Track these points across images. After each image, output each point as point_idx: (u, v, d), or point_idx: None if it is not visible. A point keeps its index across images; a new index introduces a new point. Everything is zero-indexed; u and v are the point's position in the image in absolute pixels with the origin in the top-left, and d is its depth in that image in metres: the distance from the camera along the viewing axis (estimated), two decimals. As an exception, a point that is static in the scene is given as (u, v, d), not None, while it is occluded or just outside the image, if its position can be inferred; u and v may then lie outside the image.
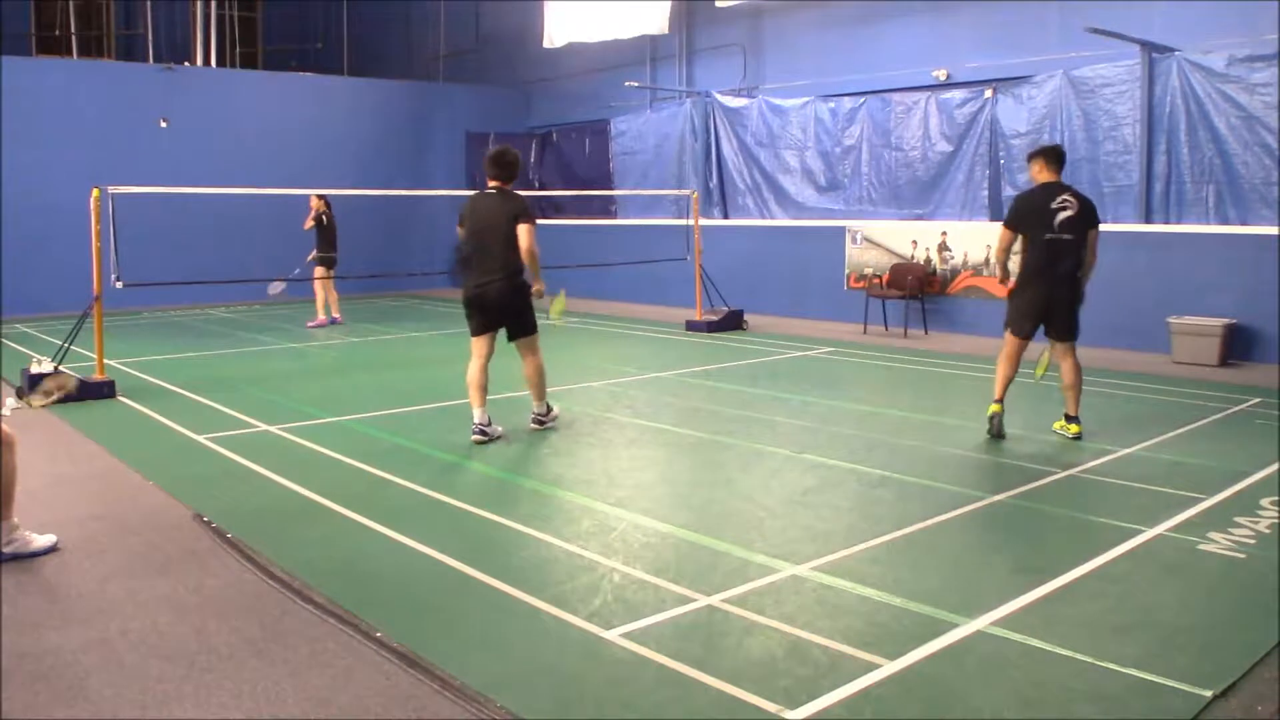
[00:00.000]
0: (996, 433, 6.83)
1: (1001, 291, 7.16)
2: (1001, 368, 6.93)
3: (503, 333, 6.99)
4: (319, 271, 13.45)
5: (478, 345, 6.88)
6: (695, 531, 4.91)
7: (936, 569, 4.43)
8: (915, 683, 3.34)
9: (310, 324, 13.53)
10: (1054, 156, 6.78)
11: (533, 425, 7.16)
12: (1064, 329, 6.78)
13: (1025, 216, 6.69)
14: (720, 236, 15.08)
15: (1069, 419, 6.86)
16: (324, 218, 13.31)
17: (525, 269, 6.78)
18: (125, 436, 7.10)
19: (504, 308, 6.82)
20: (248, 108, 17.44)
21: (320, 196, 13.35)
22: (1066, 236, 6.58)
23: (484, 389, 6.80)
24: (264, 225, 16.00)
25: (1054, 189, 6.66)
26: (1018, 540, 4.93)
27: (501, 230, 6.67)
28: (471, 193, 7.41)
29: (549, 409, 7.26)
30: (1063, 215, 6.57)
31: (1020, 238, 6.74)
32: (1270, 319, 10.00)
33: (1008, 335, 6.94)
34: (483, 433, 6.75)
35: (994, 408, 6.90)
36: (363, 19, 22.79)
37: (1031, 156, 6.93)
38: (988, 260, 12.33)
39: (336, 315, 13.71)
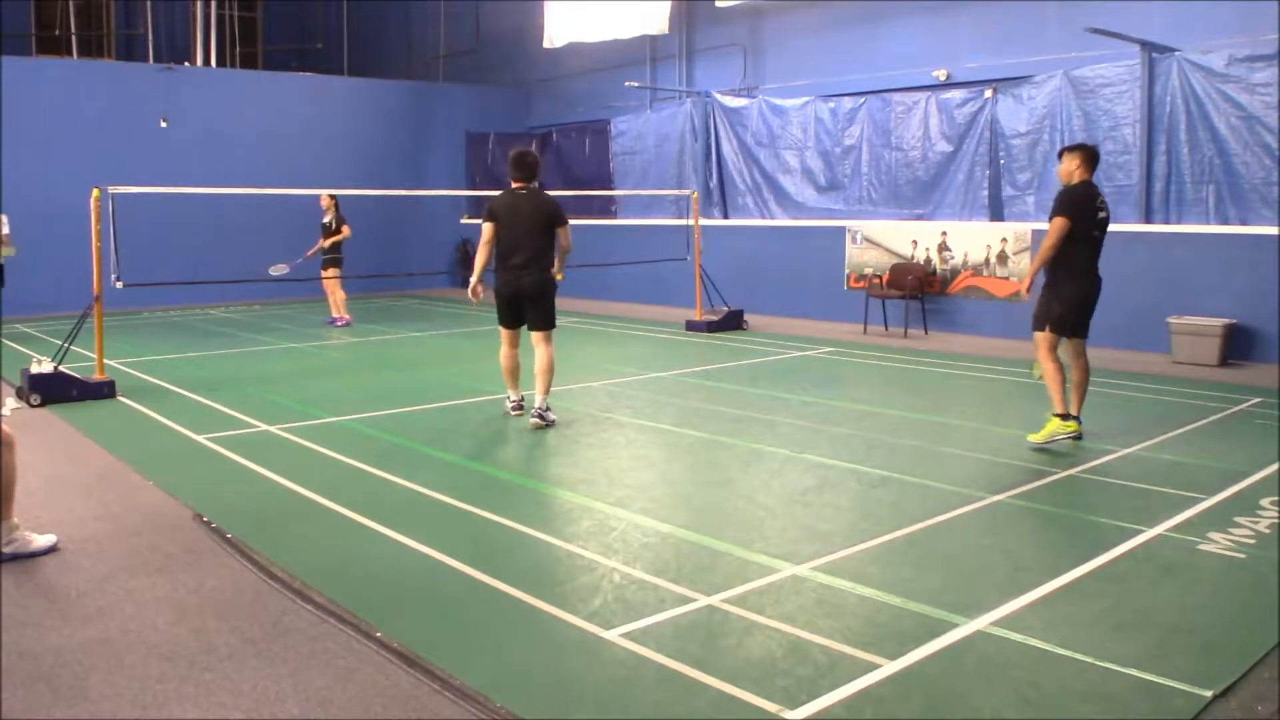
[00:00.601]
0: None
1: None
2: (1056, 373, 6.62)
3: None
4: (332, 271, 13.37)
5: (509, 335, 7.46)
6: (695, 531, 4.91)
7: (936, 569, 4.43)
8: (915, 683, 3.34)
9: (339, 323, 13.44)
10: (1093, 157, 6.73)
11: (534, 421, 7.21)
12: (1088, 325, 6.82)
13: (1080, 211, 6.57)
14: (720, 236, 15.08)
15: (1068, 417, 6.83)
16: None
17: (551, 263, 7.38)
18: (125, 436, 7.10)
19: (534, 298, 7.26)
20: (248, 108, 17.43)
21: (331, 196, 13.30)
22: (1100, 236, 6.65)
23: (517, 373, 7.53)
24: (264, 225, 15.99)
25: (1093, 189, 6.67)
26: (1018, 540, 4.93)
27: (537, 228, 7.20)
28: (496, 192, 7.82)
29: (549, 406, 7.33)
30: (1100, 215, 6.62)
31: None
32: (1270, 319, 10.00)
33: (1048, 336, 6.65)
34: (519, 406, 7.53)
35: (1073, 425, 6.62)
36: (363, 19, 22.79)
37: (1070, 151, 6.78)
38: (988, 260, 12.33)
39: (345, 316, 13.63)
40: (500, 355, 7.51)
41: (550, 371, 7.31)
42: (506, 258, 7.21)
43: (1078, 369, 6.85)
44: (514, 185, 7.28)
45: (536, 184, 7.40)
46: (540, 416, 7.22)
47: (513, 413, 7.50)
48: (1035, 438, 6.63)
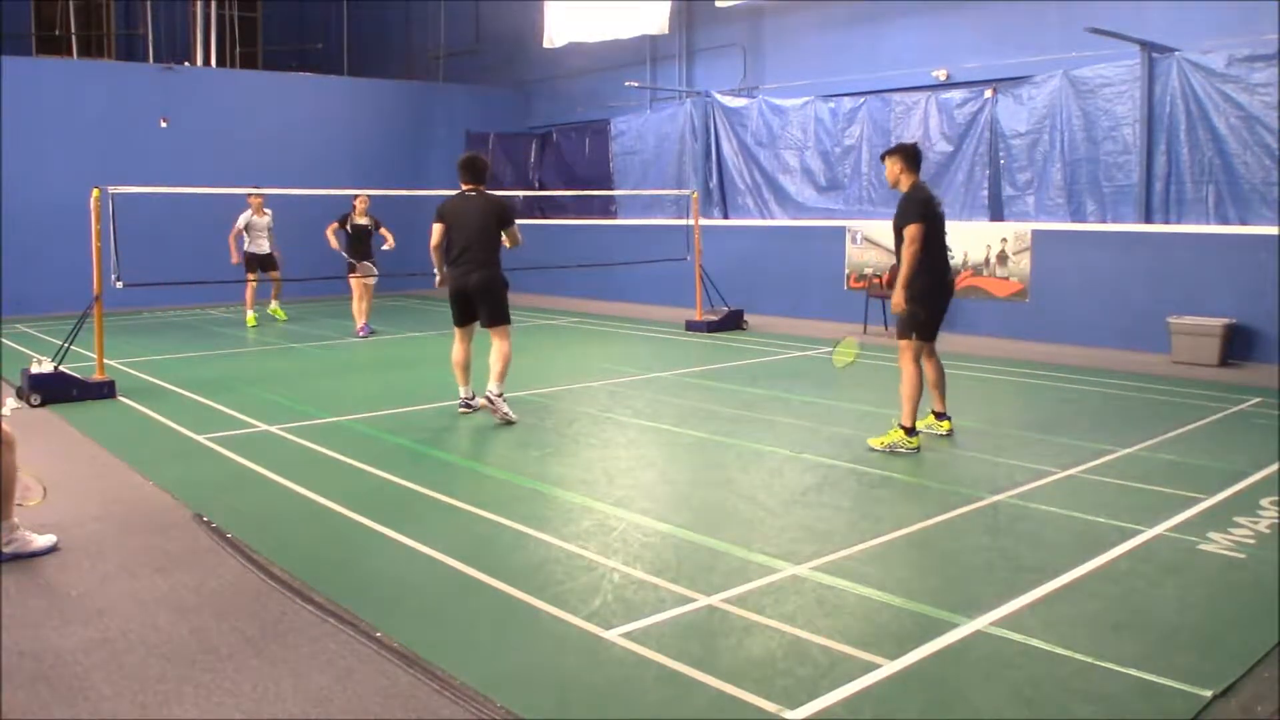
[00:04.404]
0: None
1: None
2: (914, 379, 6.50)
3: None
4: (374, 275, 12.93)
5: (460, 332, 7.69)
6: (695, 531, 4.91)
7: (937, 569, 4.43)
8: (915, 683, 3.34)
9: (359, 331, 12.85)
10: (914, 156, 6.58)
11: (483, 401, 7.54)
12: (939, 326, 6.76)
13: (929, 212, 6.45)
14: (720, 236, 15.08)
15: (941, 416, 6.87)
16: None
17: (500, 262, 7.57)
18: (125, 436, 7.10)
19: (482, 295, 7.47)
20: (248, 108, 17.43)
21: (369, 198, 12.87)
22: (943, 234, 6.65)
23: (468, 368, 7.69)
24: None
25: (928, 188, 6.60)
26: (1018, 540, 4.93)
27: (487, 229, 7.46)
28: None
29: (502, 394, 7.43)
30: (939, 212, 6.61)
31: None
32: (1270, 319, 10.00)
33: (914, 344, 6.55)
34: (468, 405, 7.68)
35: (916, 441, 6.45)
36: (363, 19, 22.79)
37: (890, 155, 6.63)
38: (987, 260, 12.32)
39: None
40: (452, 350, 7.71)
41: (504, 360, 7.45)
42: (456, 258, 7.50)
43: (932, 368, 6.82)
44: (463, 188, 7.55)
45: (484, 187, 7.64)
46: (489, 399, 7.40)
47: (461, 410, 7.68)
48: (876, 442, 6.52)
